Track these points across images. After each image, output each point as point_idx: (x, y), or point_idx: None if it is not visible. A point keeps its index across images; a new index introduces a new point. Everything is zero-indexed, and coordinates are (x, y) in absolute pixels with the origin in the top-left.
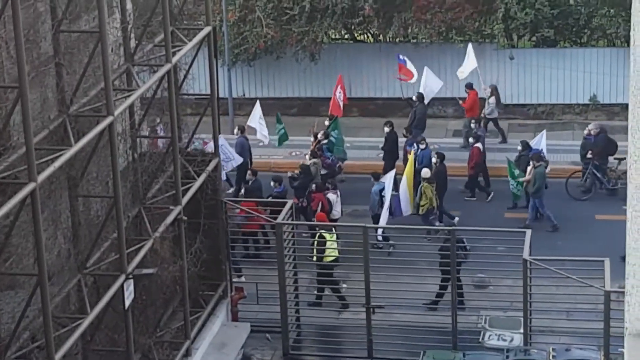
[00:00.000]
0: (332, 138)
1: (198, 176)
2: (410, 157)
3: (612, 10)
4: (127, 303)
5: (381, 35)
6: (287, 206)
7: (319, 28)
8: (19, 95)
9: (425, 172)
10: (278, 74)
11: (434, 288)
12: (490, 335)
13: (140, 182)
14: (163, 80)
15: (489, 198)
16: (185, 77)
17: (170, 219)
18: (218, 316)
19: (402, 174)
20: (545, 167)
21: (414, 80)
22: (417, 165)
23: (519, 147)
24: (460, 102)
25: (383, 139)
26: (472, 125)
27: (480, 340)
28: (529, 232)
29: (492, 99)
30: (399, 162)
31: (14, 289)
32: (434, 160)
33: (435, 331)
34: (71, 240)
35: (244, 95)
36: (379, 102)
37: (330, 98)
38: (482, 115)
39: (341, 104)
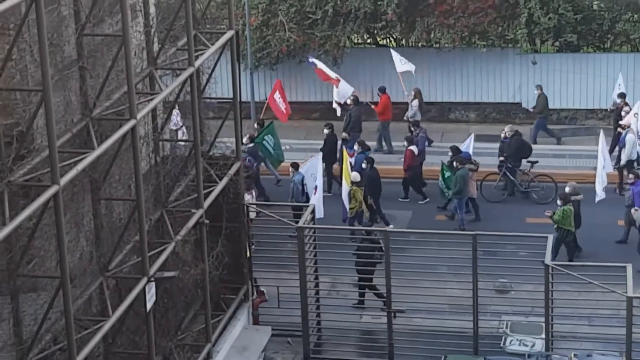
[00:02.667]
0: (265, 143)
1: (220, 180)
2: (345, 160)
3: (635, 16)
4: (149, 306)
5: (404, 40)
6: (309, 210)
7: (341, 32)
8: (43, 98)
9: (355, 176)
10: (300, 78)
11: (455, 293)
12: (511, 341)
13: (163, 186)
14: (186, 84)
15: (425, 201)
16: (208, 81)
17: (192, 222)
18: (239, 319)
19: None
20: (475, 170)
21: (341, 85)
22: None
23: (450, 153)
24: (372, 106)
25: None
26: (412, 129)
27: (501, 345)
28: (550, 237)
29: (415, 102)
30: (336, 165)
31: (37, 291)
32: (363, 165)
33: (457, 336)
34: (93, 242)
35: (267, 99)
36: (402, 106)
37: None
38: (405, 118)
39: (283, 109)
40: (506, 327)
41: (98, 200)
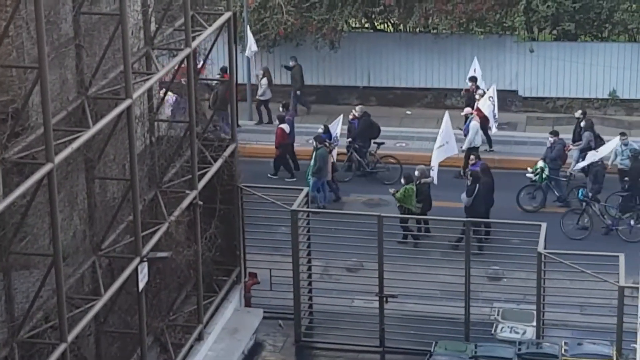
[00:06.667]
0: None
1: (215, 161)
2: None
3: (634, 5)
4: (141, 286)
5: (401, 25)
6: (303, 193)
7: (339, 16)
8: (39, 75)
9: None
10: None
11: (447, 279)
12: (502, 328)
13: (157, 166)
14: (182, 65)
15: (292, 179)
16: (205, 62)
17: (185, 203)
18: (231, 301)
19: None
20: (331, 151)
21: None
22: None
23: (320, 130)
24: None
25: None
26: (281, 110)
27: (492, 332)
28: (544, 225)
29: (264, 81)
30: None
31: (29, 269)
32: None
33: (448, 322)
34: (87, 221)
35: None
36: (398, 92)
37: (349, 87)
38: (257, 97)
39: None
40: (498, 314)
41: (92, 179)
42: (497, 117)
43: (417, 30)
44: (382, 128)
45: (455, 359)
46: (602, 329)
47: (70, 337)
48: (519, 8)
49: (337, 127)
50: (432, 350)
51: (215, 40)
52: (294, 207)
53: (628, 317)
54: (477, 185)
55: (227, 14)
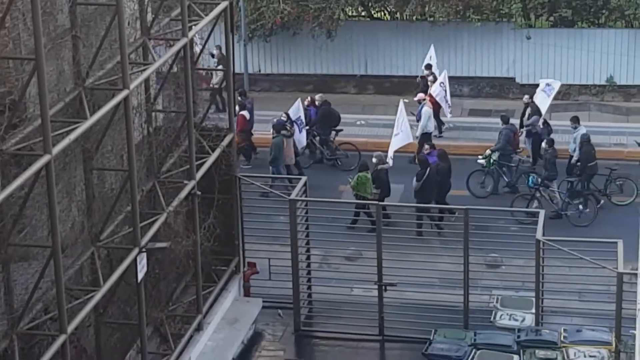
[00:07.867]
0: None
1: (212, 151)
2: None
3: None
4: (140, 276)
5: (398, 13)
6: (301, 182)
7: (335, 5)
8: (35, 67)
9: None
10: (294, 50)
11: (446, 267)
12: (501, 315)
13: (155, 156)
14: (179, 55)
15: (248, 166)
16: (202, 52)
17: (184, 193)
18: (230, 291)
19: None
20: (290, 136)
21: None
22: None
23: (283, 117)
24: None
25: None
26: (239, 98)
27: (491, 319)
28: (542, 212)
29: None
30: None
31: (28, 261)
32: None
33: (447, 310)
34: (85, 212)
35: (260, 71)
36: (395, 80)
37: (347, 75)
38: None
39: None
40: (496, 302)
41: (90, 170)
42: (449, 102)
43: (414, 18)
44: (379, 116)
45: (455, 347)
46: (601, 315)
47: (70, 328)
48: None
49: (298, 111)
50: (431, 338)
51: (212, 29)
52: (292, 196)
53: (627, 304)
54: (427, 170)
55: (224, 3)
